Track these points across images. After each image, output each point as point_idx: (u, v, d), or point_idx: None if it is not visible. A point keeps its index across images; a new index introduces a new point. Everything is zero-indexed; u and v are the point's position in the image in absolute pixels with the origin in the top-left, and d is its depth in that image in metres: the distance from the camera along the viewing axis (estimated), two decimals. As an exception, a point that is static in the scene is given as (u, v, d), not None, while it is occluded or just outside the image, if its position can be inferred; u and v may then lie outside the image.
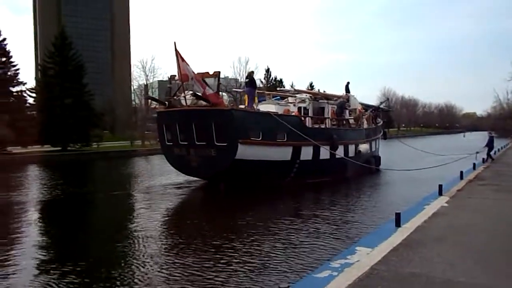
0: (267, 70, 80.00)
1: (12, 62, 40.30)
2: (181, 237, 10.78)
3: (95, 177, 29.11)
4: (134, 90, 63.92)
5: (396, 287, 4.86)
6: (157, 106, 20.04)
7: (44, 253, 9.38)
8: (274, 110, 19.55)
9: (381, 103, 43.84)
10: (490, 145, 23.98)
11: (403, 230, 7.46)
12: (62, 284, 7.32)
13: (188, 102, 17.54)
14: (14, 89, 40.77)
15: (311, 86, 73.47)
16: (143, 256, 8.90)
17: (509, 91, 79.48)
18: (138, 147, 49.05)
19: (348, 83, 28.03)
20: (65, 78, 43.00)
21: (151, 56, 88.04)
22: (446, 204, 10.08)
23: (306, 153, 19.31)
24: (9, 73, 39.98)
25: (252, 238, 10.08)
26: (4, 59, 39.50)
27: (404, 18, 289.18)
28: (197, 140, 17.25)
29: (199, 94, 16.93)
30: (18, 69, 40.39)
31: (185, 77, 16.98)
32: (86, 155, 40.69)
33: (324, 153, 20.01)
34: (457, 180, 14.49)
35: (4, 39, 39.45)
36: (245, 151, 16.75)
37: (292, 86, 67.02)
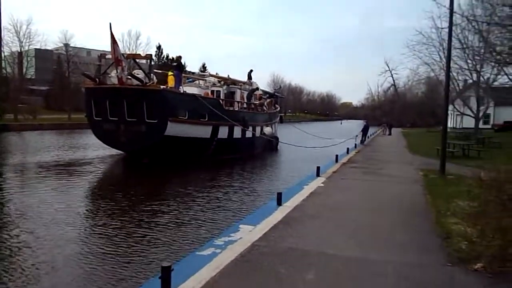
0: (159, 47, 77.25)
1: None
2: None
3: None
4: (5, 57, 55.85)
5: (275, 261, 5.19)
6: (86, 82, 20.80)
7: None
8: (197, 92, 21.75)
9: (275, 90, 47.39)
10: (365, 131, 30.02)
11: (283, 209, 7.96)
12: None
13: (124, 80, 18.40)
14: None
15: (204, 67, 73.22)
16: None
17: (379, 85, 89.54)
18: (9, 121, 43.59)
19: (251, 70, 30.27)
20: None
21: (26, 19, 77.78)
22: (322, 185, 11.03)
23: (223, 132, 21.52)
24: None
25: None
26: None
27: (296, 8, 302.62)
28: (127, 116, 18.31)
29: (134, 74, 18.43)
30: None
31: (113, 57, 17.93)
32: None
33: (237, 132, 22.59)
34: (332, 163, 15.94)
35: None
36: (173, 128, 18.41)
37: (183, 66, 65.94)
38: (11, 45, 54.65)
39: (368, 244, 6.09)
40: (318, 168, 12.76)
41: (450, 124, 47.28)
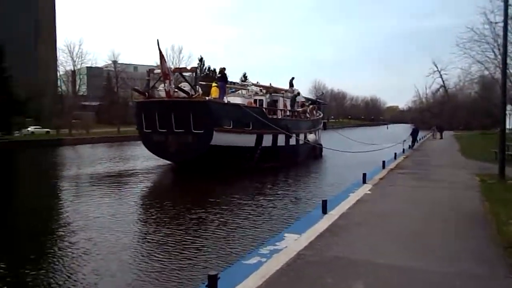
0: (200, 60, 79.07)
1: None
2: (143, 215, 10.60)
3: (17, 167, 26.96)
4: (60, 76, 59.87)
5: (321, 270, 5.08)
6: (135, 96, 22.43)
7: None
8: (241, 102, 22.10)
9: (318, 97, 46.99)
10: (414, 135, 29.42)
11: (329, 217, 7.81)
12: None
13: (171, 93, 19.09)
14: None
15: (245, 77, 73.88)
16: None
17: (427, 87, 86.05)
18: (65, 135, 46.38)
19: (293, 78, 30.55)
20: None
21: (78, 40, 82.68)
22: (369, 192, 10.70)
23: (267, 140, 21.83)
24: None
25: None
26: None
27: (336, 15, 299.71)
28: (175, 128, 18.90)
29: (181, 87, 19.30)
30: None
31: (162, 71, 18.81)
32: (6, 144, 37.47)
33: (281, 140, 22.81)
34: (380, 169, 15.45)
35: None
36: (219, 138, 18.88)
37: (227, 77, 66.83)
38: (65, 65, 58.60)
39: (419, 252, 5.82)
40: (364, 174, 12.39)
41: (509, 125, 44.47)
